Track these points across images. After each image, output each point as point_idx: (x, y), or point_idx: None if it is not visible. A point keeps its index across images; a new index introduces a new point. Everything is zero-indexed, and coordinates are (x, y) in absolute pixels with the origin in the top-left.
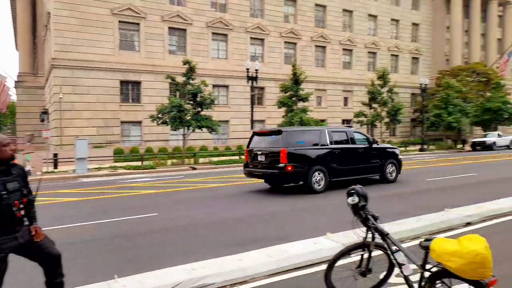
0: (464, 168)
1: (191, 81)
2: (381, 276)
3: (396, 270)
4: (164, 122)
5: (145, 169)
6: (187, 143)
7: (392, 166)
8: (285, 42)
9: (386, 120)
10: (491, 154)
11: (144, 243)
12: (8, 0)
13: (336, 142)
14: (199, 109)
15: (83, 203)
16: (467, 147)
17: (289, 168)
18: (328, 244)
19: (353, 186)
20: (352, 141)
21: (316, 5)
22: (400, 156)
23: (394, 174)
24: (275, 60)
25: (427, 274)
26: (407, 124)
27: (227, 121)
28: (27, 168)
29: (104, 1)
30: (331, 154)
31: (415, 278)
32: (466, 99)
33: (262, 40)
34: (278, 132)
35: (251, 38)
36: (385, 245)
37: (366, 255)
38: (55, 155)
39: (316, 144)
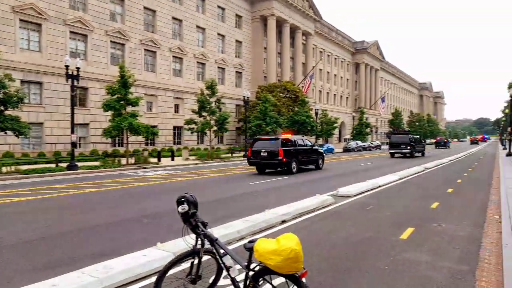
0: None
1: None
2: (210, 280)
3: (225, 273)
4: None
5: None
6: None
7: (321, 160)
8: (112, 41)
9: (215, 128)
10: None
11: None
12: None
13: (300, 145)
14: (2, 107)
15: None
16: None
17: (284, 159)
18: (158, 255)
19: (183, 194)
20: (306, 144)
21: (145, 8)
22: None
23: (322, 164)
24: (100, 59)
25: (251, 273)
26: (233, 132)
27: (40, 123)
28: None
29: None
30: (300, 151)
31: (242, 278)
32: (280, 112)
33: (85, 36)
34: (276, 139)
35: (71, 32)
36: (214, 250)
37: (196, 262)
38: None
39: (293, 146)
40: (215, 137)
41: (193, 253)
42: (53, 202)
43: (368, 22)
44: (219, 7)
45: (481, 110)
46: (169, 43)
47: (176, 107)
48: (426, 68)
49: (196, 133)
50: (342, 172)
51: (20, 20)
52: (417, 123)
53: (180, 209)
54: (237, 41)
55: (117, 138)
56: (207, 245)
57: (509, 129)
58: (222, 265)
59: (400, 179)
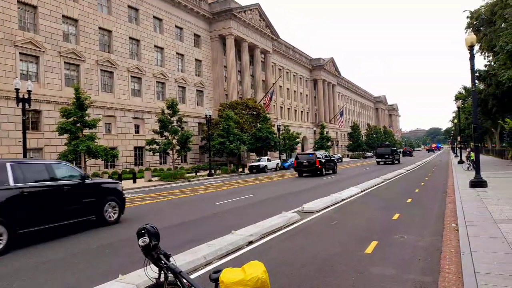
0: (245, 189)
1: None
2: None
3: None
4: None
5: None
6: None
7: (336, 166)
8: (66, 62)
9: (177, 147)
10: (265, 176)
11: None
12: None
13: (325, 156)
14: None
15: None
16: (246, 171)
17: (320, 167)
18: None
19: (143, 226)
20: (327, 156)
21: (100, 28)
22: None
23: (336, 169)
24: (54, 81)
25: None
26: (196, 151)
27: None
28: None
29: None
30: (327, 161)
31: None
32: (243, 129)
33: (37, 57)
34: (312, 153)
35: (21, 53)
36: (178, 283)
37: None
38: None
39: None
40: (178, 156)
41: (157, 286)
42: None
43: (322, 38)
44: (176, 27)
45: (432, 121)
46: (127, 63)
47: (137, 127)
48: (380, 82)
49: (158, 153)
50: (311, 187)
51: None
52: (374, 135)
53: (140, 242)
54: (196, 60)
55: (74, 162)
56: (171, 278)
57: (458, 138)
58: None
59: (362, 191)
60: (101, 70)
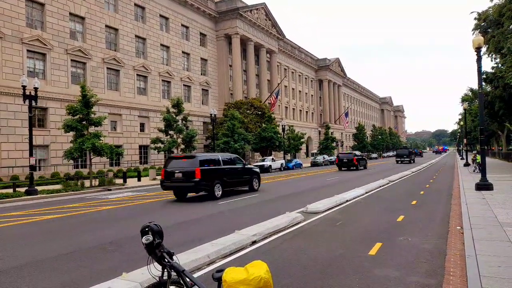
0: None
1: None
2: None
3: None
4: None
5: None
6: None
7: (365, 163)
8: (73, 60)
9: (182, 146)
10: (269, 176)
11: None
12: None
13: (356, 155)
14: None
15: None
16: None
17: (356, 163)
18: (123, 286)
19: (147, 224)
20: (358, 155)
21: (107, 26)
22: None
23: (364, 166)
24: (60, 78)
25: None
26: (201, 150)
27: None
28: None
29: None
30: (359, 158)
31: None
32: (248, 129)
33: (44, 55)
34: (351, 152)
35: (28, 51)
36: (181, 281)
37: None
38: None
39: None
40: None
41: (160, 285)
42: (3, 233)
43: (329, 37)
44: (183, 25)
45: (438, 122)
46: (133, 61)
47: (142, 125)
48: (386, 83)
49: (163, 152)
50: (315, 187)
51: None
52: (379, 136)
53: (144, 240)
54: (202, 59)
55: (79, 160)
56: (174, 276)
57: (464, 141)
58: None
59: (367, 192)
60: (107, 68)
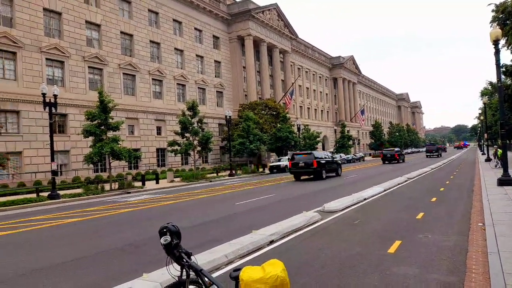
0: (265, 189)
1: None
2: None
3: None
4: None
5: None
6: None
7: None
8: (90, 67)
9: (198, 148)
10: (285, 176)
11: None
12: None
13: (398, 151)
14: None
15: None
16: (267, 170)
17: (397, 156)
18: (144, 286)
19: (165, 225)
20: (399, 150)
21: (122, 32)
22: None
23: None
24: (78, 85)
25: None
26: (217, 151)
27: (19, 153)
28: None
29: None
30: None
31: None
32: (263, 129)
33: (62, 62)
34: (394, 148)
35: (47, 59)
36: (200, 281)
37: None
38: None
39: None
40: (199, 157)
41: (179, 284)
42: (28, 237)
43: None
44: (196, 29)
45: (458, 118)
46: (148, 66)
47: (158, 129)
48: (403, 78)
49: (180, 154)
50: (332, 186)
51: None
52: (397, 133)
53: (162, 240)
54: (215, 61)
55: (99, 164)
56: (193, 276)
57: (485, 135)
58: None
59: (385, 190)
60: (123, 73)
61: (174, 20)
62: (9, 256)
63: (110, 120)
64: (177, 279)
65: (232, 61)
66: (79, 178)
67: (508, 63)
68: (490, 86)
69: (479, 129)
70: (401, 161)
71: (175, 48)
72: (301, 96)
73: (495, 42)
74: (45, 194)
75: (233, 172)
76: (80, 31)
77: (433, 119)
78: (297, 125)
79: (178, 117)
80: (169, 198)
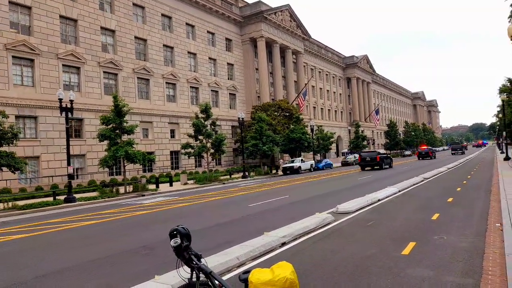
0: (278, 191)
1: None
2: None
3: None
4: None
5: None
6: None
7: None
8: (105, 72)
9: (212, 150)
10: (299, 177)
11: None
12: None
13: (380, 154)
14: None
15: None
16: (280, 172)
17: (430, 154)
18: None
19: (175, 227)
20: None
21: (136, 37)
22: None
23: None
24: (94, 90)
25: None
26: (230, 153)
27: (37, 157)
28: None
29: None
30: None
31: None
32: (276, 130)
33: (78, 68)
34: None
35: (63, 65)
36: (210, 283)
37: None
38: None
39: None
40: (212, 159)
41: (189, 286)
42: (46, 239)
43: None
44: (208, 32)
45: (475, 116)
46: (162, 70)
47: (172, 132)
48: (418, 76)
49: (193, 157)
50: (346, 187)
51: (13, 56)
52: (413, 133)
53: (172, 242)
54: (228, 63)
55: (114, 167)
56: (202, 278)
57: (504, 134)
58: None
59: (400, 191)
60: (137, 78)
61: (187, 24)
62: (23, 258)
63: (125, 124)
64: (187, 281)
65: (245, 63)
66: (95, 181)
67: None
68: (508, 83)
69: (497, 127)
70: (386, 166)
71: (188, 52)
72: (315, 96)
73: None
74: (62, 197)
75: (246, 174)
76: (95, 37)
77: (450, 118)
78: (311, 126)
79: (192, 120)
80: (183, 200)
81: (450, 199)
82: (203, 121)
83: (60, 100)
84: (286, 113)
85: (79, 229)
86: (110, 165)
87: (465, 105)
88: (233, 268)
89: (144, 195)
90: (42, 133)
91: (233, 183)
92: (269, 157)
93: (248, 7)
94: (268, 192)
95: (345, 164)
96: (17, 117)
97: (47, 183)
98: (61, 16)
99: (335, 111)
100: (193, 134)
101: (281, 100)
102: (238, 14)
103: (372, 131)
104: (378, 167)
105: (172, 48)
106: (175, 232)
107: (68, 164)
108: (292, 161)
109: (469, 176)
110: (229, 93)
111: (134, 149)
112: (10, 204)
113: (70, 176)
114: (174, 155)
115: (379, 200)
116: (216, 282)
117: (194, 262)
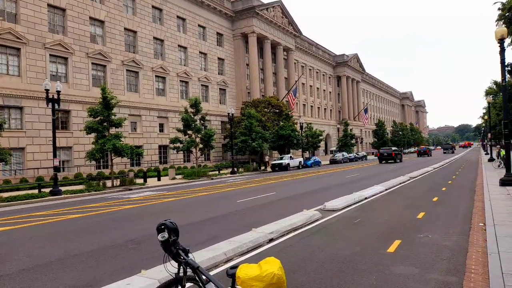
0: (267, 188)
1: None
2: None
3: None
4: None
5: None
6: None
7: (401, 156)
8: (93, 63)
9: (201, 145)
10: (287, 174)
11: None
12: None
13: (394, 151)
14: None
15: None
16: (269, 169)
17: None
18: (142, 283)
19: (163, 221)
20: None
21: (126, 29)
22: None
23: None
24: (82, 81)
25: None
26: (219, 149)
27: (22, 149)
28: None
29: None
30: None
31: None
32: (265, 127)
33: (66, 59)
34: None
35: (51, 55)
36: (197, 278)
37: None
38: None
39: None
40: (201, 154)
41: (176, 281)
42: (30, 232)
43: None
44: (199, 26)
45: (461, 117)
46: (151, 62)
47: (161, 126)
48: (407, 77)
49: (182, 152)
50: (333, 185)
51: None
52: (400, 132)
53: (160, 237)
54: (219, 58)
55: (101, 160)
56: (190, 272)
57: (489, 135)
58: None
59: (386, 189)
60: (126, 70)
61: (178, 17)
62: (7, 251)
63: (113, 117)
64: (174, 276)
65: (236, 59)
66: (81, 174)
67: None
68: (495, 86)
69: (483, 128)
70: (398, 160)
71: (179, 45)
72: (305, 94)
73: (500, 40)
74: (47, 190)
75: (235, 170)
76: (84, 27)
77: (437, 119)
78: (300, 123)
79: (181, 114)
80: (171, 195)
81: (435, 198)
82: (192, 116)
83: (47, 90)
84: (276, 109)
85: (64, 222)
86: (97, 158)
87: (452, 107)
88: (221, 264)
89: (131, 189)
90: (27, 124)
91: (222, 178)
92: (258, 154)
93: (240, 2)
94: (256, 188)
95: (333, 162)
96: (1, 107)
97: (32, 175)
98: (49, 5)
99: (325, 109)
100: (182, 128)
101: (271, 96)
102: (229, 9)
103: (361, 129)
104: (392, 160)
105: (162, 41)
106: (162, 227)
107: (54, 156)
108: (281, 158)
109: (454, 176)
110: (219, 88)
111: (122, 142)
112: None
113: (56, 169)
114: (163, 149)
115: (366, 198)
116: (203, 277)
117: (182, 257)
